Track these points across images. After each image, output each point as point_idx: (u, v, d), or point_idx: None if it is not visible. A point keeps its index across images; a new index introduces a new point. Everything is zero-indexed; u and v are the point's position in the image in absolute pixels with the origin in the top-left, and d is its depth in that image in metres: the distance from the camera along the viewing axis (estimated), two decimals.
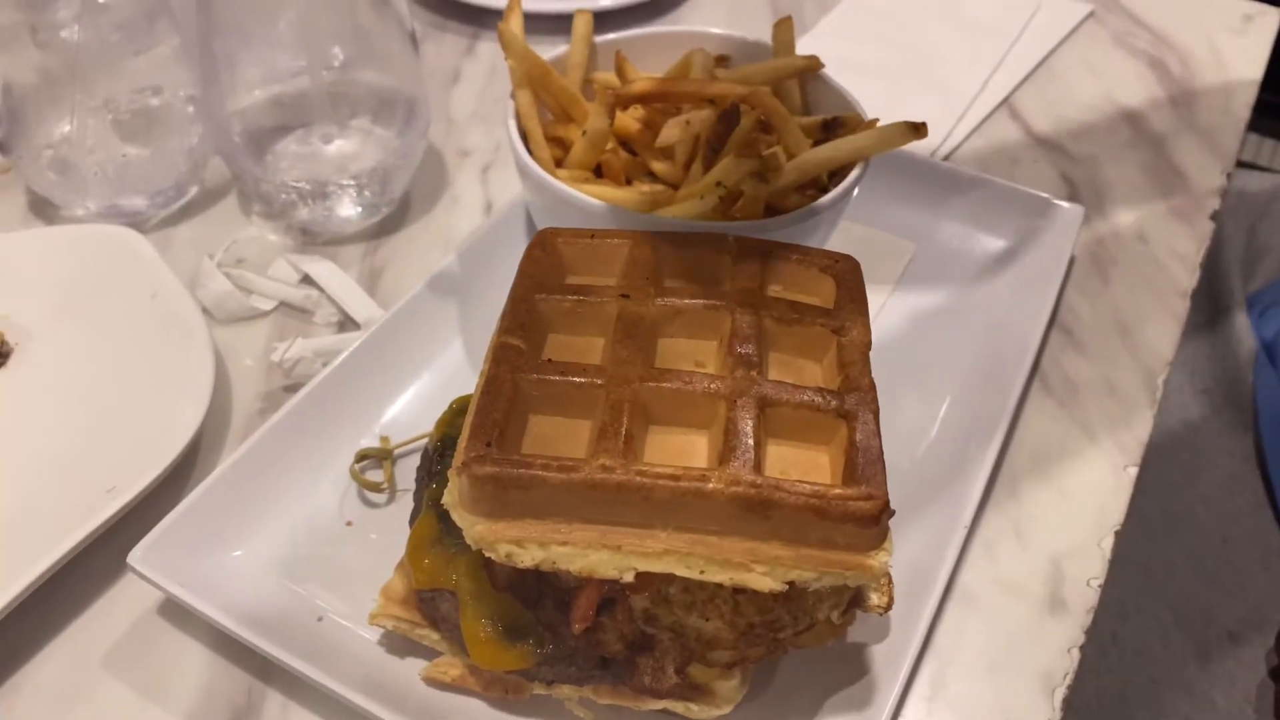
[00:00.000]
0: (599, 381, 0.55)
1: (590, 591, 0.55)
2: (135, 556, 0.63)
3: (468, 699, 0.61)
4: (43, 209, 0.97)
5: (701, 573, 0.52)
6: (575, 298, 0.61)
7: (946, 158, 1.08)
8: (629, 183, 0.80)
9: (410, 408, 0.78)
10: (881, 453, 0.53)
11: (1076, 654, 0.67)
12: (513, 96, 0.79)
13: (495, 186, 1.02)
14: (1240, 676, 0.98)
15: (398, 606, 0.62)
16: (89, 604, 0.68)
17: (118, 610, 0.68)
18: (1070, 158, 1.09)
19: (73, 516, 0.67)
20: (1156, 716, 0.96)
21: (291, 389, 0.81)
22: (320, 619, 0.65)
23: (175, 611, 0.67)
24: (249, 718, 0.63)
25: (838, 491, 0.51)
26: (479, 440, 0.52)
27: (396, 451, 0.74)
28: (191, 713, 0.63)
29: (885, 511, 0.51)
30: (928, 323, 0.87)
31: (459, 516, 0.53)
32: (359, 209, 0.94)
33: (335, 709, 0.62)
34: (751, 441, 0.53)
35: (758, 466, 0.52)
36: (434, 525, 0.61)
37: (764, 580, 0.52)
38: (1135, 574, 1.03)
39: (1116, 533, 0.74)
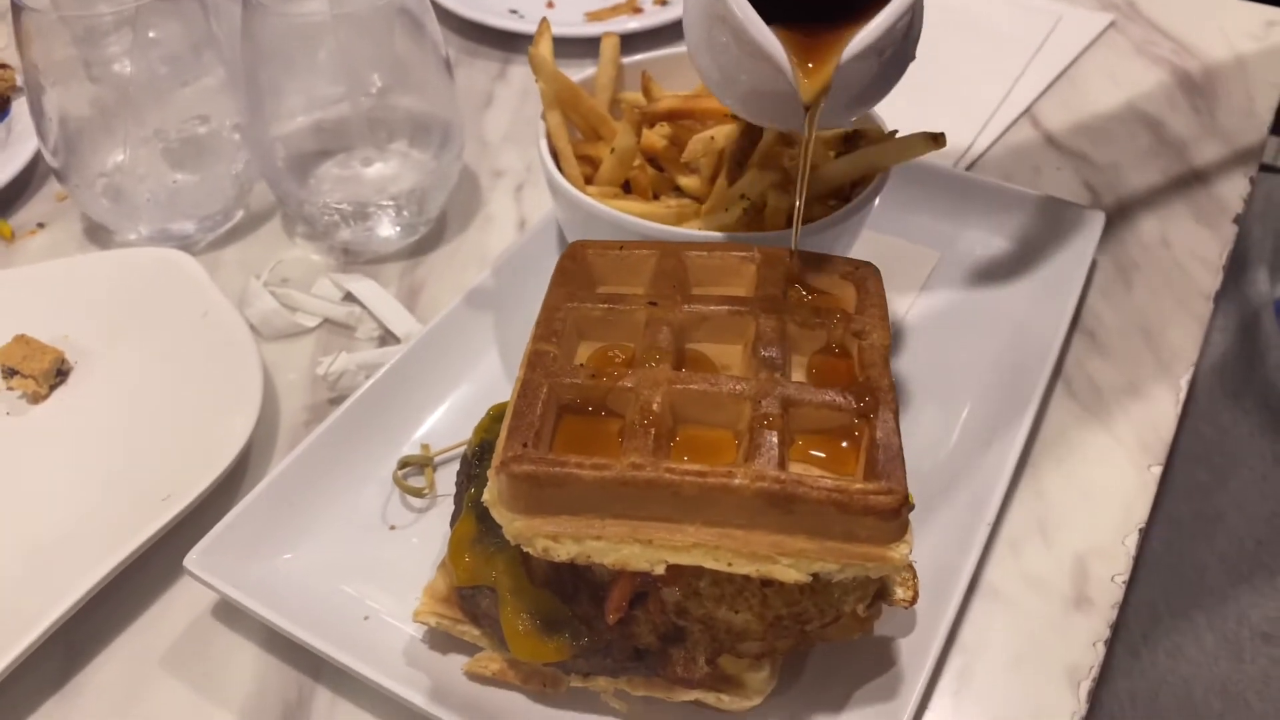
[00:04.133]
0: (629, 384, 0.58)
1: (623, 584, 0.57)
2: (191, 560, 0.67)
3: (508, 692, 0.64)
4: (97, 234, 1.02)
5: (729, 565, 0.54)
6: (605, 306, 0.63)
7: (969, 167, 1.10)
8: (656, 198, 0.83)
9: (449, 416, 0.81)
10: (901, 449, 0.55)
11: (1102, 648, 0.69)
12: (543, 117, 0.82)
13: (528, 205, 1.05)
14: (1275, 677, 0.98)
15: (440, 604, 0.65)
16: (147, 606, 0.71)
17: (174, 612, 0.71)
18: (1092, 165, 1.11)
19: (131, 523, 0.70)
20: (1190, 718, 0.96)
21: (336, 401, 0.84)
22: (366, 618, 0.68)
23: (229, 612, 0.70)
24: (299, 713, 0.66)
25: (859, 486, 0.53)
26: (516, 441, 0.55)
27: (436, 458, 0.77)
28: (245, 709, 0.66)
29: (905, 505, 0.53)
30: (952, 328, 0.89)
31: (498, 513, 0.56)
32: (398, 229, 0.97)
33: (381, 703, 0.65)
34: (775, 439, 0.55)
35: (782, 463, 0.54)
36: (474, 526, 0.64)
37: (789, 572, 0.54)
38: (1166, 576, 1.03)
39: (1141, 530, 0.75)
